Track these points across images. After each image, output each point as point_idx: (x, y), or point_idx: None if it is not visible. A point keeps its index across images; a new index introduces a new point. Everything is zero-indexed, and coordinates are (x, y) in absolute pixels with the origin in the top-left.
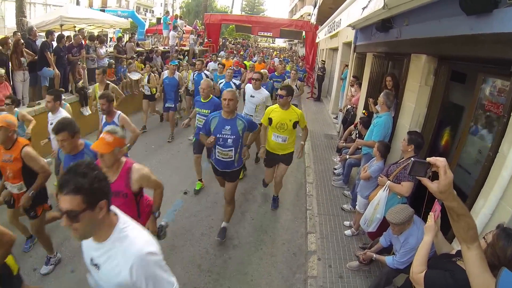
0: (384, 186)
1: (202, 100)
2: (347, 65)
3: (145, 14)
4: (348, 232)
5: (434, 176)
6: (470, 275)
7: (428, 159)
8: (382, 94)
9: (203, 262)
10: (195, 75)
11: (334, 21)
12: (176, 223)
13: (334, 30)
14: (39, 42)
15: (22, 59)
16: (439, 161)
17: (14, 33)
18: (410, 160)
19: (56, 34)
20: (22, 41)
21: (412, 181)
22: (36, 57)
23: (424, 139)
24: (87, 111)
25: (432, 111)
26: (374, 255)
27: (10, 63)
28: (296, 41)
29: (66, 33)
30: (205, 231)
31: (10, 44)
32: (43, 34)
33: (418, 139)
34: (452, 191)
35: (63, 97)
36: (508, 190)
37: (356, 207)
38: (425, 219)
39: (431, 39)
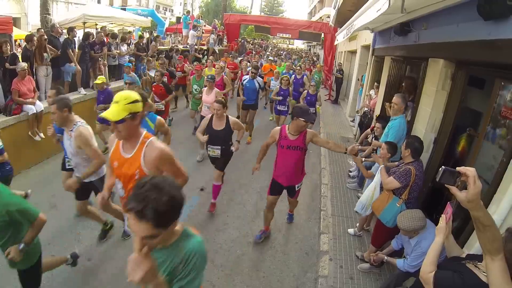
0: (378, 169)
1: None
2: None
3: (165, 13)
4: (351, 230)
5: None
6: (491, 286)
7: (458, 168)
8: (396, 96)
9: (217, 257)
10: None
11: (353, 24)
12: (191, 218)
13: (351, 32)
14: (62, 39)
15: (44, 54)
16: (469, 171)
17: (38, 29)
18: (441, 168)
19: (77, 31)
20: (45, 37)
21: (398, 181)
22: (59, 53)
23: (423, 144)
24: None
25: (448, 116)
26: (385, 257)
27: (34, 58)
28: (314, 43)
29: (88, 31)
30: (220, 227)
31: (35, 41)
32: (66, 31)
33: (415, 143)
34: (479, 201)
35: (84, 92)
36: None
37: (362, 212)
38: (437, 224)
39: (448, 44)
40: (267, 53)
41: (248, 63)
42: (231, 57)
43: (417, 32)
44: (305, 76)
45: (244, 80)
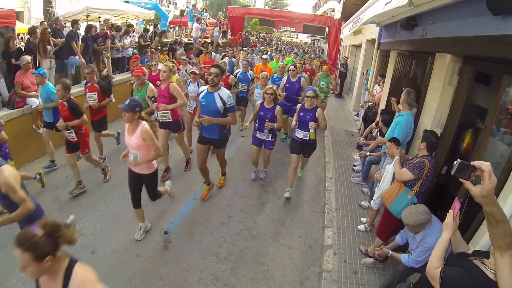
0: (393, 161)
1: None
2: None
3: (168, 6)
4: (361, 227)
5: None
6: (500, 281)
7: (473, 162)
8: (403, 92)
9: (221, 250)
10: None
11: (359, 18)
12: (195, 211)
13: (357, 26)
14: (66, 32)
15: (48, 47)
16: (484, 165)
17: (41, 23)
18: (456, 161)
19: (81, 24)
20: (49, 29)
21: (412, 173)
22: (62, 42)
23: (439, 140)
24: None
25: (455, 111)
26: (390, 252)
27: (37, 51)
28: (319, 37)
29: (91, 23)
30: (224, 220)
31: (38, 34)
32: (69, 24)
33: (431, 138)
34: (493, 196)
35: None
36: None
37: (372, 203)
38: (442, 219)
39: (456, 39)
40: (262, 47)
41: (233, 59)
42: (208, 53)
43: (424, 26)
44: (302, 78)
45: (199, 93)
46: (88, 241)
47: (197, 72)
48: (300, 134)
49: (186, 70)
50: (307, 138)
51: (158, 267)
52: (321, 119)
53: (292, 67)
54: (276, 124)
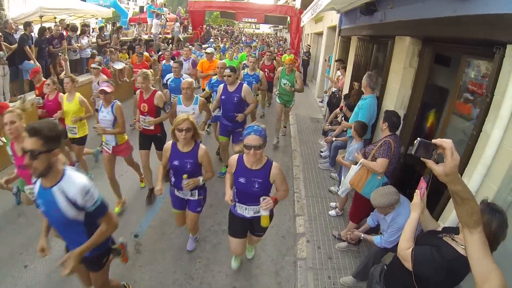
0: (358, 163)
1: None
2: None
3: (128, 3)
4: (332, 212)
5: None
6: (471, 259)
7: (434, 140)
8: (364, 76)
9: None
10: None
11: (317, 4)
12: (164, 210)
13: (316, 12)
14: (18, 35)
15: (0, 52)
16: (446, 143)
17: None
18: (416, 140)
19: (34, 26)
20: (0, 34)
21: (386, 157)
22: (15, 47)
23: (400, 119)
24: None
25: (417, 92)
26: (362, 235)
27: None
28: (281, 26)
29: (46, 25)
30: None
31: None
32: (22, 27)
33: (392, 118)
34: (457, 174)
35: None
36: (491, 168)
37: (339, 193)
38: (411, 199)
39: (415, 21)
40: (211, 39)
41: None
42: (139, 55)
43: (383, 11)
44: (244, 85)
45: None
46: (58, 253)
47: (109, 91)
48: (247, 211)
49: (98, 82)
50: (259, 215)
51: (132, 273)
52: (280, 182)
53: (227, 70)
54: (201, 178)
